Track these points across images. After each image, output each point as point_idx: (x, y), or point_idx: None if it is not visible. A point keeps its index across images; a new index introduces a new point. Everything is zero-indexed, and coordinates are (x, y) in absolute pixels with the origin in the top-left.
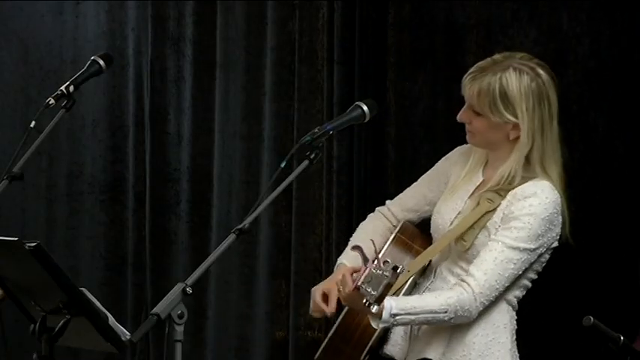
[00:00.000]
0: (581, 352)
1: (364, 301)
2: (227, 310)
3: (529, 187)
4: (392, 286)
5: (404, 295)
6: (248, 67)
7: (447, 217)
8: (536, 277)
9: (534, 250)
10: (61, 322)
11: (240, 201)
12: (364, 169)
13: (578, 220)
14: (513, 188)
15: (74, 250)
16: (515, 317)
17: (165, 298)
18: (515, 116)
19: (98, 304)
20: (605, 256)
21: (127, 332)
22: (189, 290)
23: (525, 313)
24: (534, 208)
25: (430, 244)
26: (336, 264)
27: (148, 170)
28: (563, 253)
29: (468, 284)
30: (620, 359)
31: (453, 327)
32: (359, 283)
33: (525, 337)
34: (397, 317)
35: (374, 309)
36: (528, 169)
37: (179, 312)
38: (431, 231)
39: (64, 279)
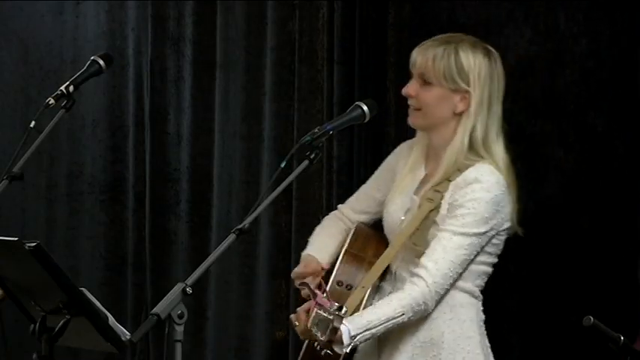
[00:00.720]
0: (581, 352)
1: (315, 344)
2: (227, 310)
3: (469, 173)
4: (337, 329)
5: (364, 308)
6: (248, 67)
7: (395, 215)
8: (495, 260)
9: (484, 233)
10: (61, 322)
11: (240, 201)
12: (364, 169)
13: (578, 219)
14: (453, 181)
15: (74, 250)
16: (482, 308)
17: (165, 298)
18: (468, 84)
19: (98, 304)
20: (604, 256)
21: (127, 332)
22: (189, 290)
23: (525, 313)
24: (477, 193)
25: (387, 244)
26: (302, 256)
27: (147, 170)
28: (562, 252)
29: (420, 277)
30: (620, 359)
31: (419, 329)
32: (308, 325)
33: (525, 337)
34: (358, 337)
35: (324, 352)
36: (470, 156)
37: (179, 312)
38: (385, 232)
39: (64, 279)
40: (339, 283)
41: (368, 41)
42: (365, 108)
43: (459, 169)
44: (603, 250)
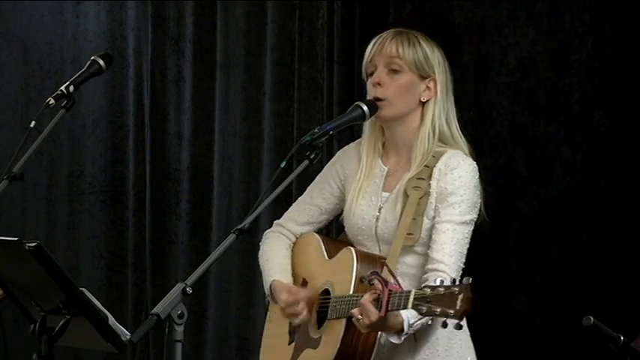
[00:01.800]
0: (581, 352)
1: (353, 337)
2: (227, 310)
3: (449, 159)
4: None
5: None
6: (248, 67)
7: (367, 216)
8: None
9: (474, 218)
10: (61, 322)
11: (240, 201)
12: None
13: (580, 220)
14: (433, 167)
15: (74, 250)
16: None
17: (165, 298)
18: (433, 71)
19: (98, 304)
20: (605, 255)
21: (127, 332)
22: (189, 290)
23: (528, 312)
24: (463, 178)
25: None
26: (269, 282)
27: (148, 170)
28: (562, 252)
29: (444, 272)
30: (620, 359)
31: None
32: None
33: (523, 336)
34: (414, 325)
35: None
36: (438, 143)
37: (179, 312)
38: (351, 235)
39: (64, 279)
40: (361, 279)
41: (368, 41)
42: (365, 108)
43: (433, 156)
44: (605, 249)
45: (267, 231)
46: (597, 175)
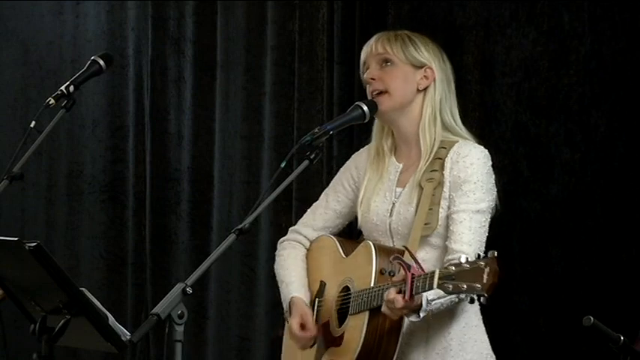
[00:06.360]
0: (581, 352)
1: (380, 323)
2: (227, 310)
3: (460, 147)
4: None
5: None
6: (248, 67)
7: (380, 211)
8: None
9: (491, 205)
10: (61, 322)
11: (240, 201)
12: None
13: (580, 219)
14: (445, 157)
15: (74, 250)
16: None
17: (165, 298)
18: (427, 59)
19: (98, 304)
20: (605, 255)
21: (127, 332)
22: (189, 290)
23: (526, 312)
24: (475, 165)
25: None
26: (288, 298)
27: (148, 170)
28: (563, 252)
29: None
30: (620, 359)
31: (429, 324)
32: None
33: (525, 336)
34: (432, 303)
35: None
36: (448, 135)
37: (179, 312)
38: (367, 234)
39: (64, 279)
40: (382, 271)
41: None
42: (365, 108)
43: (444, 147)
44: (604, 249)
45: (282, 239)
46: (596, 176)
